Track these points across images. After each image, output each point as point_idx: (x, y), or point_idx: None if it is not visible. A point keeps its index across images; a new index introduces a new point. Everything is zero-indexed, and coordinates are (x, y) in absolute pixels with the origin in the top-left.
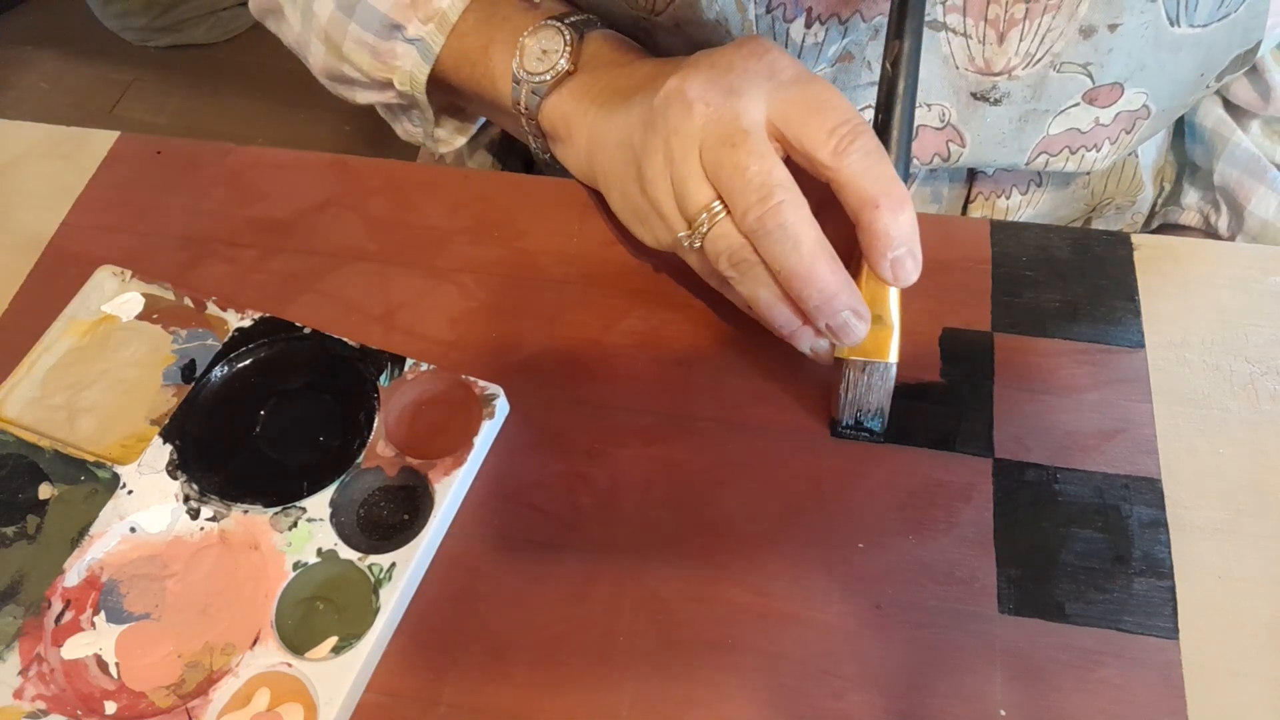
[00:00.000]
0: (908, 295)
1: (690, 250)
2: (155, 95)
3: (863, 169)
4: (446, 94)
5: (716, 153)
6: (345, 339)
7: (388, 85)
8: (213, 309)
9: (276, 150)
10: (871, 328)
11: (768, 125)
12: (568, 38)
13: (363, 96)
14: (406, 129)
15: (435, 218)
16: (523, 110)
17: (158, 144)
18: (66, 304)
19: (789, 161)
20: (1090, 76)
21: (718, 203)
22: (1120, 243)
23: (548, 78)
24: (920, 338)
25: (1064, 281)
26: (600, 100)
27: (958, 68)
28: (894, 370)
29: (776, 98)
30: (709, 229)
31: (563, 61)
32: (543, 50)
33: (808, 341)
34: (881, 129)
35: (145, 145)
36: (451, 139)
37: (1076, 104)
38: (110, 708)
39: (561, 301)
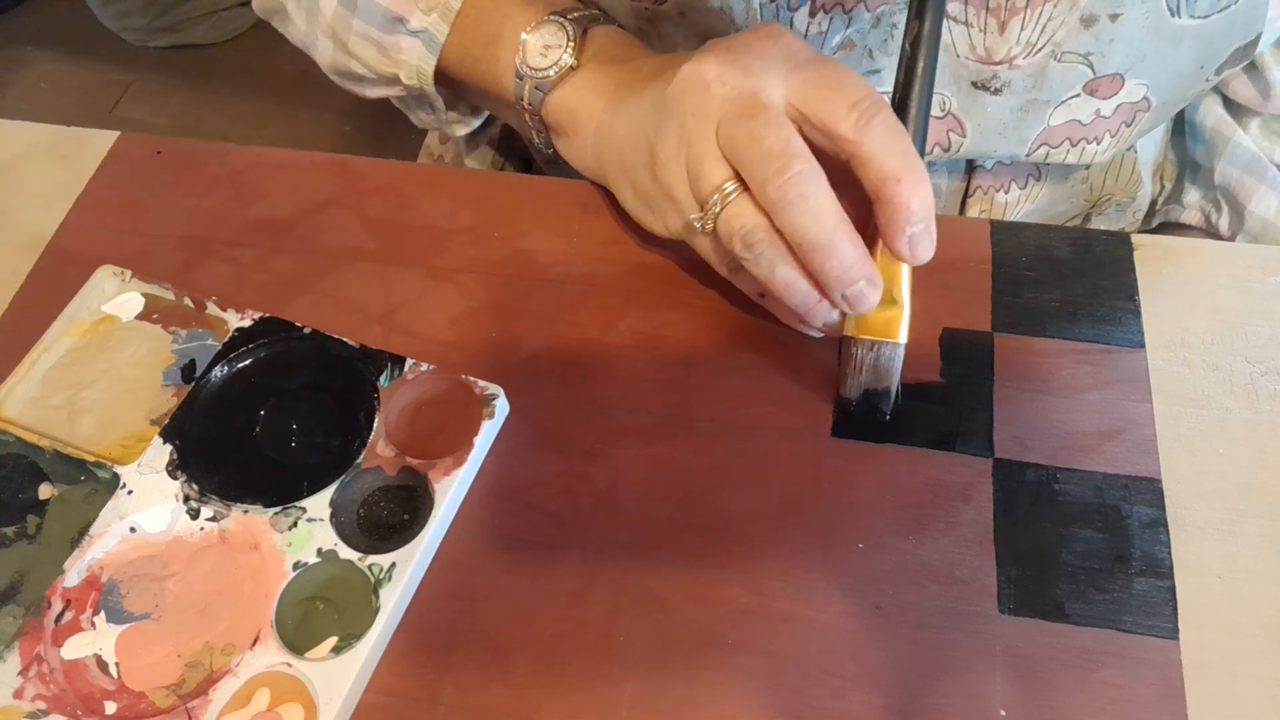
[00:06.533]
0: None
1: (702, 234)
2: (155, 95)
3: (885, 143)
4: (453, 89)
5: (733, 127)
6: (345, 339)
7: (395, 80)
8: (213, 309)
9: (276, 150)
10: (882, 307)
11: (786, 105)
12: (571, 33)
13: (373, 91)
14: (420, 118)
15: (435, 218)
16: (526, 105)
17: (158, 144)
18: (66, 304)
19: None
20: (1091, 67)
21: (731, 183)
22: (1120, 242)
23: (551, 73)
24: (920, 338)
25: (1064, 281)
26: (607, 94)
27: (958, 56)
28: (902, 350)
29: (794, 78)
30: (721, 209)
31: (566, 57)
32: (545, 46)
33: (822, 317)
34: (899, 107)
35: (145, 145)
36: (467, 121)
37: (1077, 95)
38: (110, 708)
39: (561, 301)
